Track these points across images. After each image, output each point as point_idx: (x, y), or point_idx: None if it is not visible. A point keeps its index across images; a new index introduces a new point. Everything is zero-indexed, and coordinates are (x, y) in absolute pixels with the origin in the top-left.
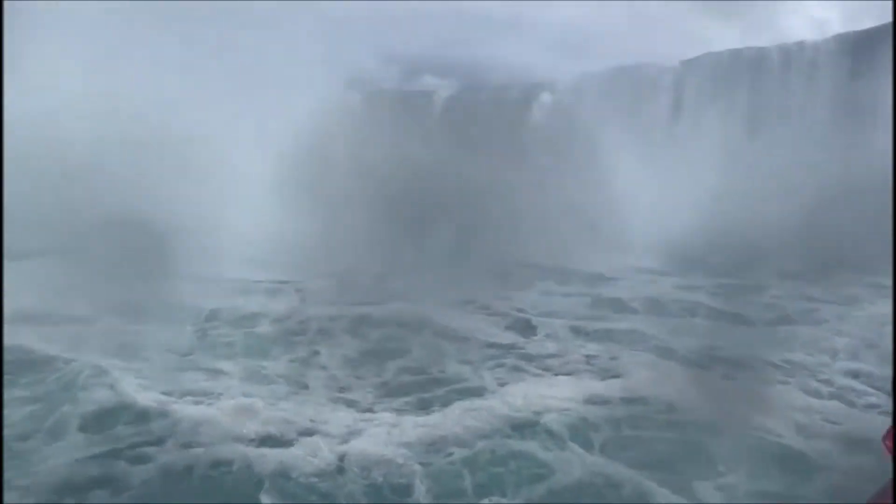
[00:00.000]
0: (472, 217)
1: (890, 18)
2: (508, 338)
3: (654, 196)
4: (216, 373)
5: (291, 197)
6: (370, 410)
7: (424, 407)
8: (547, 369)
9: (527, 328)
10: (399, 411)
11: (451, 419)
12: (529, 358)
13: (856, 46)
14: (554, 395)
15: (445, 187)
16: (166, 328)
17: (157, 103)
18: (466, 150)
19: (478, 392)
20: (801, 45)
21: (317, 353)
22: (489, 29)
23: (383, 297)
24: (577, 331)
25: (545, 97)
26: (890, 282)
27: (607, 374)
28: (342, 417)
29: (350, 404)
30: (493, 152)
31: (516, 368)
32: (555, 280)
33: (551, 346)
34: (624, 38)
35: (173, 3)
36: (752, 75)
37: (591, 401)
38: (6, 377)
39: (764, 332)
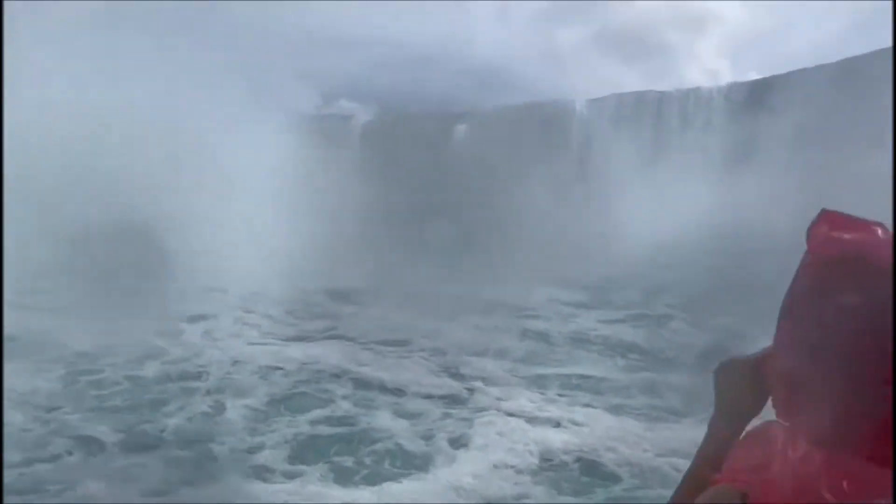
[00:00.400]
0: (388, 244)
1: (771, 72)
2: (444, 385)
3: (565, 228)
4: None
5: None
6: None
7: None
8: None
9: (461, 371)
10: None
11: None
12: (472, 409)
13: (747, 93)
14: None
15: (365, 214)
16: None
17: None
18: (384, 177)
19: (416, 461)
20: (697, 91)
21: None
22: (408, 58)
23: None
24: (514, 373)
25: (462, 128)
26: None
27: (562, 427)
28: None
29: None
30: (410, 179)
31: (458, 422)
32: (479, 312)
33: (494, 393)
34: (537, 76)
35: None
36: (654, 116)
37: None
38: None
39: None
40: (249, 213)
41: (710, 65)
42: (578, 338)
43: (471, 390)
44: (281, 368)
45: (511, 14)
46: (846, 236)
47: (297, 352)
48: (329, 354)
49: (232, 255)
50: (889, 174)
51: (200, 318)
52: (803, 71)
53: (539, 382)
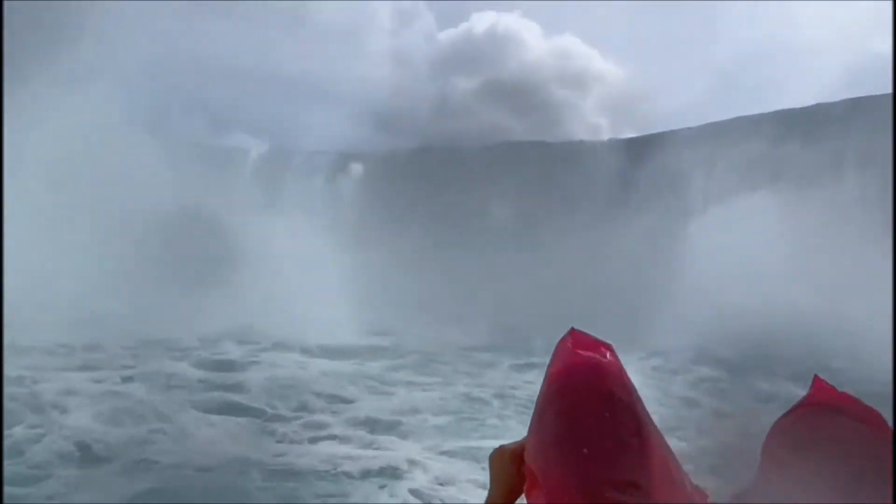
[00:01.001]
0: (259, 282)
1: (645, 131)
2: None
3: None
4: None
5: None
6: None
7: None
8: None
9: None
10: None
11: None
12: None
13: (625, 149)
14: None
15: (242, 248)
16: None
17: None
18: (273, 212)
19: None
20: (581, 144)
21: None
22: (304, 94)
23: None
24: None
25: (356, 167)
26: None
27: None
28: None
29: None
30: (298, 217)
31: None
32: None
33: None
34: (432, 120)
35: None
36: (541, 165)
37: None
38: None
39: None
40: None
41: (591, 120)
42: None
43: None
44: None
45: (407, 60)
46: (583, 353)
47: None
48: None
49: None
50: None
51: None
52: (673, 132)
53: None
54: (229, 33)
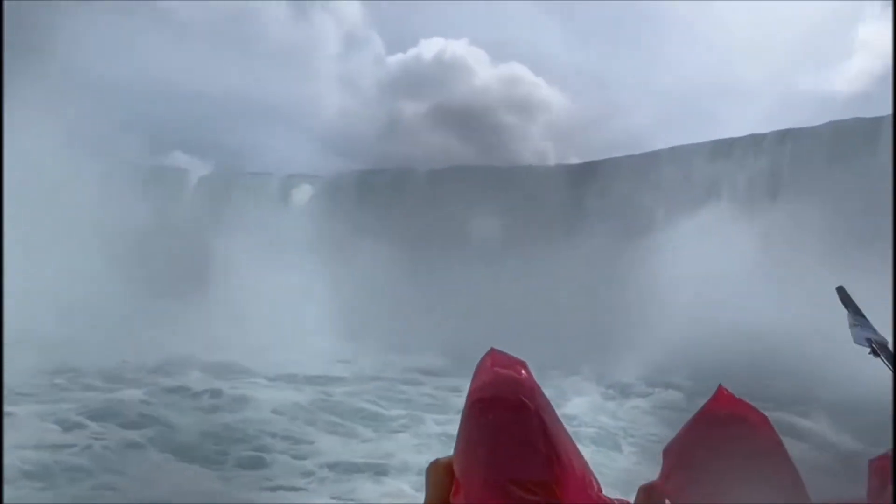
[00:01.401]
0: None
1: (590, 158)
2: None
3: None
4: None
5: None
6: None
7: None
8: None
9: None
10: None
11: None
12: None
13: (571, 174)
14: None
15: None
16: None
17: None
18: (216, 235)
19: None
20: (529, 169)
21: None
22: (250, 115)
23: None
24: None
25: (305, 189)
26: None
27: None
28: None
29: None
30: (244, 240)
31: None
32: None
33: None
34: (380, 143)
35: None
36: (490, 189)
37: None
38: None
39: None
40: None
41: (538, 146)
42: None
43: None
44: None
45: (356, 83)
46: (499, 370)
47: None
48: None
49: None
50: None
51: None
52: (617, 159)
53: None
54: (169, 53)
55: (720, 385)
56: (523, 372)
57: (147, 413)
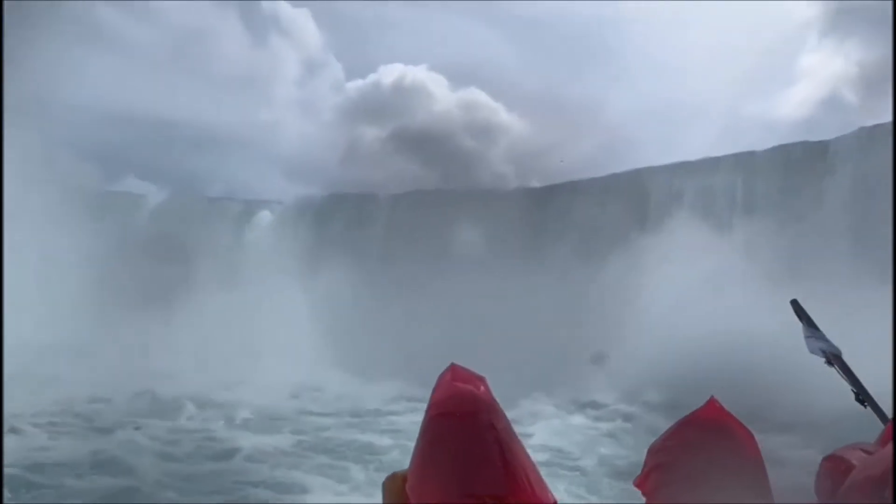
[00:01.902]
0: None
1: (550, 182)
2: None
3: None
4: None
5: None
6: None
7: None
8: None
9: None
10: None
11: None
12: None
13: (532, 197)
14: None
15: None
16: None
17: None
18: (171, 261)
19: None
20: (490, 192)
21: None
22: (207, 141)
23: None
24: None
25: (266, 214)
26: None
27: None
28: None
29: None
30: (205, 266)
31: None
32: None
33: None
34: (342, 168)
35: None
36: (452, 212)
37: None
38: None
39: None
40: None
41: (498, 170)
42: None
43: None
44: None
45: (315, 108)
46: (461, 386)
47: None
48: None
49: None
50: None
51: None
52: (576, 182)
53: None
54: (124, 78)
55: (712, 396)
56: (482, 387)
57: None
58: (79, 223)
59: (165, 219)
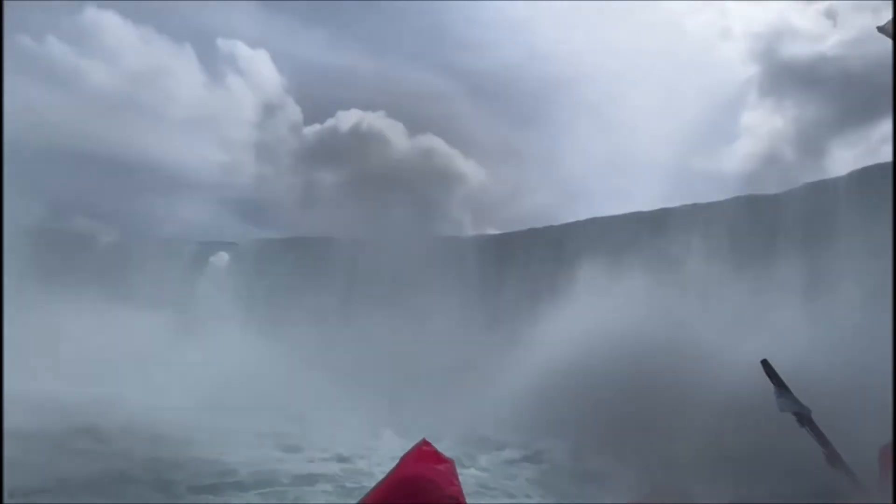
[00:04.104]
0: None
1: (506, 230)
2: None
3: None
4: None
5: None
6: None
7: None
8: None
9: None
10: None
11: None
12: None
13: (490, 244)
14: None
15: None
16: None
17: None
18: (132, 299)
19: None
20: (448, 239)
21: None
22: (159, 180)
23: None
24: None
25: (221, 255)
26: None
27: None
28: None
29: None
30: (163, 304)
31: None
32: None
33: None
34: (299, 212)
35: None
36: (411, 261)
37: None
38: None
39: None
40: None
41: (455, 216)
42: None
43: None
44: None
45: (273, 151)
46: (423, 464)
47: None
48: None
49: None
50: None
51: None
52: (535, 230)
53: None
54: (74, 116)
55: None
56: (446, 467)
57: None
58: (24, 263)
59: (118, 259)
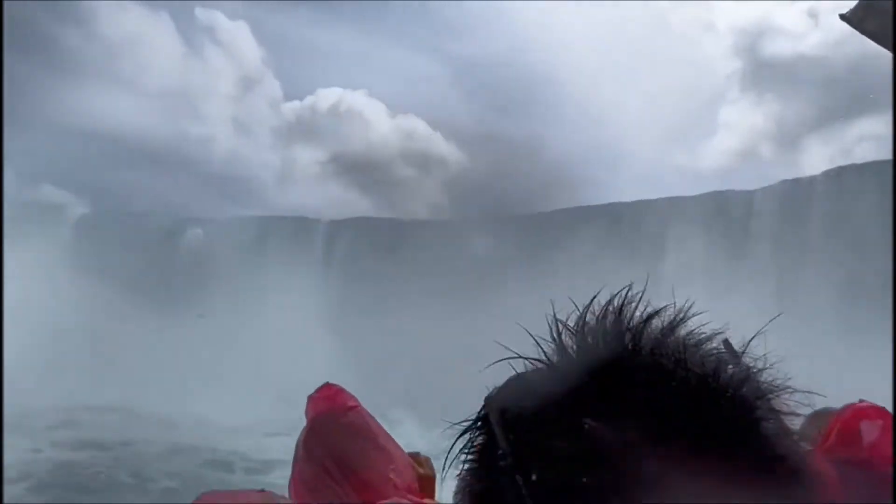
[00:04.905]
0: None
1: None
2: None
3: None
4: None
5: None
6: None
7: None
8: None
9: None
10: None
11: None
12: None
13: (470, 227)
14: None
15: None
16: None
17: None
18: (102, 273)
19: None
20: (426, 223)
21: None
22: (133, 153)
23: None
24: None
25: (196, 232)
26: None
27: None
28: None
29: None
30: (133, 278)
31: None
32: None
33: None
34: (276, 190)
35: None
36: (391, 240)
37: None
38: None
39: None
40: None
41: (434, 200)
42: None
43: None
44: None
45: (250, 127)
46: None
47: None
48: None
49: None
50: None
51: None
52: (517, 215)
53: None
54: (43, 81)
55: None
56: (352, 402)
57: None
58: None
59: (88, 232)
